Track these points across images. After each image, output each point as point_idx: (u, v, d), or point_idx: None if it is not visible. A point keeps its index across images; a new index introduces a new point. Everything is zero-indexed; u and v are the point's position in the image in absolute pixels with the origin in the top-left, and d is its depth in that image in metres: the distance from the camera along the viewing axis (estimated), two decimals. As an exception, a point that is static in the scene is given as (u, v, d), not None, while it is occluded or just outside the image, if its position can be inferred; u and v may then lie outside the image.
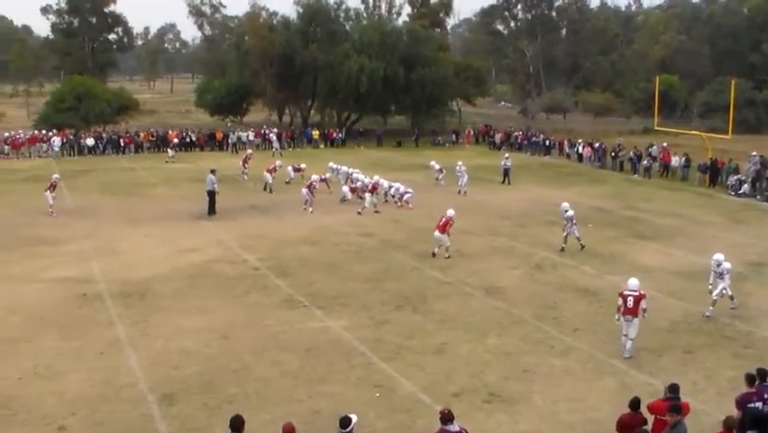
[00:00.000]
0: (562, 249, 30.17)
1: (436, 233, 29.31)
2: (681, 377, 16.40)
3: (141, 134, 69.44)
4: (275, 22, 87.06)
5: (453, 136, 76.77)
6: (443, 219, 29.33)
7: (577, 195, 42.90)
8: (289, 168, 47.16)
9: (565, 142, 64.34)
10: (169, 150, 62.16)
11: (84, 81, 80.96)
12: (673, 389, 13.42)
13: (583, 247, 30.24)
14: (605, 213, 38.77)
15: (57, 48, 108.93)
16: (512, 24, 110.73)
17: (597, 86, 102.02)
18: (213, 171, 38.60)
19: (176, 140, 66.00)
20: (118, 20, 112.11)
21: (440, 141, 74.67)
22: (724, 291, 22.43)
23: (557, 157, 63.29)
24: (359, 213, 37.81)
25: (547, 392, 17.37)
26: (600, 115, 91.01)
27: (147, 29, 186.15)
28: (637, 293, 19.19)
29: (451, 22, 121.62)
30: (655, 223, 36.47)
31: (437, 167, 46.95)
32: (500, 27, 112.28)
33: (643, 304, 19.18)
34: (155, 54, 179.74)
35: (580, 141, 62.41)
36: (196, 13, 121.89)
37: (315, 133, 73.53)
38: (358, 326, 21.75)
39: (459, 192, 43.43)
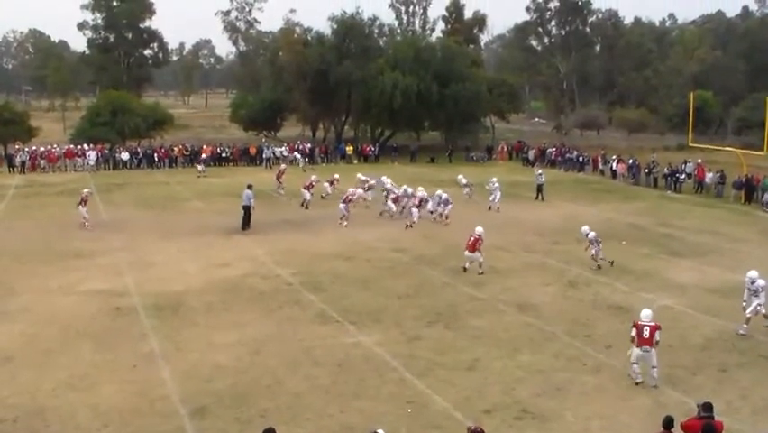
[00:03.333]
0: (599, 267, 30.02)
1: (466, 252, 29.48)
2: (716, 396, 16.30)
3: (176, 149, 69.92)
4: (309, 37, 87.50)
5: (487, 152, 76.68)
6: (472, 238, 29.45)
7: (611, 211, 42.78)
8: (325, 183, 47.20)
9: (599, 158, 64.04)
10: (198, 165, 62.47)
11: (119, 96, 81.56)
12: (707, 407, 13.34)
13: (600, 267, 30.06)
14: (639, 229, 38.58)
15: (93, 63, 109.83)
16: (546, 40, 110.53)
17: (631, 102, 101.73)
18: (250, 187, 38.86)
19: (204, 155, 66.27)
20: (154, 35, 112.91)
21: (473, 157, 74.59)
22: (758, 309, 22.22)
23: (591, 173, 63.04)
24: (409, 226, 38.17)
25: (579, 410, 17.29)
26: (634, 132, 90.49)
27: (182, 44, 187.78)
28: (653, 324, 18.75)
29: (484, 38, 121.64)
30: (690, 240, 36.24)
31: (464, 181, 46.93)
32: (534, 43, 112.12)
33: (657, 336, 18.66)
34: (190, 69, 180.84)
35: (614, 157, 62.08)
36: (230, 28, 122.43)
37: (349, 149, 73.66)
38: (390, 341, 21.76)
39: (490, 208, 43.21)
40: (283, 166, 53.81)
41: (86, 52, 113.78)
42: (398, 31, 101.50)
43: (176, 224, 39.43)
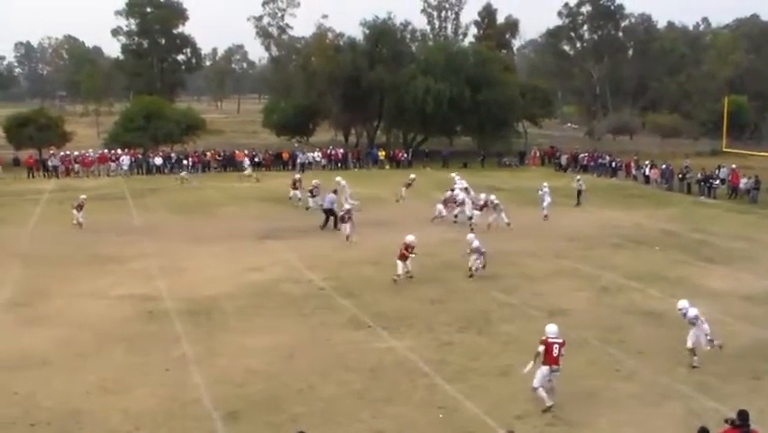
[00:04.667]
0: (471, 276, 29.65)
1: (397, 261, 28.99)
2: (749, 404, 16.11)
3: (209, 154, 70.33)
4: (341, 43, 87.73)
5: (519, 158, 76.54)
6: (402, 245, 29.18)
7: (644, 217, 42.56)
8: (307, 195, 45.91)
9: (632, 163, 63.73)
10: (182, 171, 63.00)
11: (152, 101, 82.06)
12: (743, 416, 13.22)
13: (472, 276, 29.65)
14: (672, 236, 38.33)
15: (126, 68, 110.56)
16: (578, 45, 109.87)
17: (664, 107, 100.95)
18: (335, 192, 40.36)
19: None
20: (187, 41, 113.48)
21: (506, 162, 74.49)
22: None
23: (624, 179, 62.72)
24: (471, 226, 37.99)
25: (612, 417, 17.22)
26: (668, 137, 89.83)
27: (215, 50, 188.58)
28: (561, 340, 18.07)
29: (517, 43, 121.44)
30: (724, 246, 35.96)
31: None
32: (566, 48, 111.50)
33: (563, 350, 17.96)
34: (222, 75, 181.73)
35: (647, 162, 61.72)
36: (263, 34, 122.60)
37: (381, 154, 73.79)
38: (422, 347, 21.76)
39: (546, 216, 42.08)
40: (297, 176, 52.77)
41: (120, 58, 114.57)
42: (430, 36, 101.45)
43: (208, 228, 39.63)
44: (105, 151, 71.16)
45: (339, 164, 71.12)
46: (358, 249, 34.49)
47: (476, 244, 29.52)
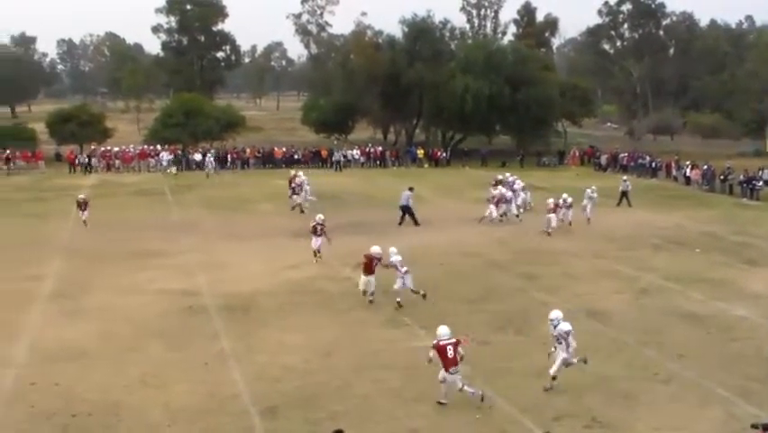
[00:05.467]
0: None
1: (362, 276, 26.23)
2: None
3: (248, 151, 70.71)
4: (380, 40, 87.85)
5: (558, 157, 76.21)
6: (366, 258, 26.38)
7: (684, 219, 42.21)
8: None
9: (672, 164, 63.20)
10: (171, 168, 64.48)
11: (192, 98, 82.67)
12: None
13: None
14: (713, 238, 37.95)
15: (167, 66, 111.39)
16: (618, 44, 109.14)
17: (706, 106, 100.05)
18: (411, 189, 40.60)
19: (166, 154, 67.61)
20: (226, 38, 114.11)
21: (545, 161, 74.23)
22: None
23: (664, 179, 62.25)
24: (548, 234, 37.58)
25: (650, 420, 17.07)
26: (709, 137, 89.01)
27: (254, 47, 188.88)
28: (454, 340, 17.75)
29: (556, 41, 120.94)
30: (766, 248, 35.55)
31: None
32: (606, 46, 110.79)
33: (461, 350, 17.78)
34: (262, 72, 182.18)
35: (687, 163, 61.17)
36: (302, 31, 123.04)
37: (420, 152, 73.75)
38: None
39: (589, 221, 40.93)
40: (294, 173, 51.97)
41: (160, 55, 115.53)
42: (470, 34, 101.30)
43: (246, 225, 39.81)
44: (146, 147, 71.82)
45: (378, 162, 71.15)
46: (396, 247, 34.30)
47: (396, 258, 26.25)
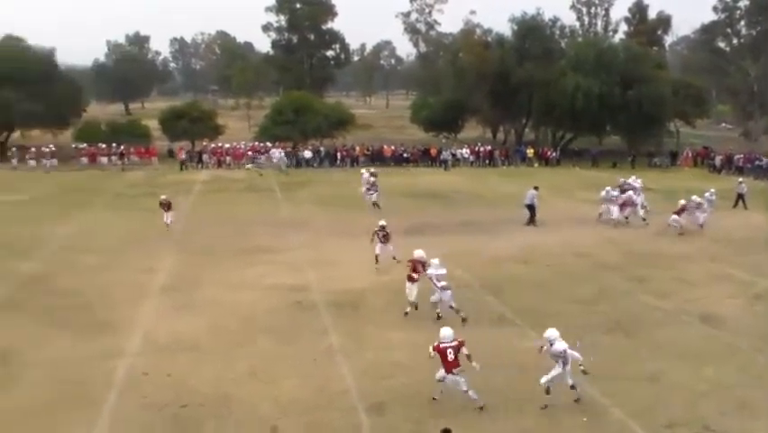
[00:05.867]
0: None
1: (408, 283, 24.92)
2: None
3: (357, 148, 71.11)
4: (489, 39, 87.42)
5: (671, 158, 74.70)
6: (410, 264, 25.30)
7: (802, 223, 40.94)
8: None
9: (790, 166, 61.40)
10: (249, 164, 64.49)
11: (302, 96, 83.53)
12: None
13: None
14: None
15: (277, 63, 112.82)
16: (734, 41, 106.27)
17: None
18: (536, 188, 40.28)
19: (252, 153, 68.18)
20: (335, 37, 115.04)
21: (657, 162, 72.84)
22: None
23: (781, 182, 60.43)
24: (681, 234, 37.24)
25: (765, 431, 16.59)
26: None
27: (363, 45, 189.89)
28: (455, 342, 17.47)
29: (669, 39, 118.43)
30: None
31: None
32: (722, 44, 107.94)
33: (464, 350, 17.43)
34: (371, 70, 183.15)
35: (806, 165, 59.33)
36: (411, 30, 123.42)
37: (530, 152, 73.12)
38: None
39: (701, 226, 39.12)
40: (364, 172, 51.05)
41: (270, 53, 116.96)
42: (580, 32, 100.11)
43: (355, 222, 39.82)
44: (256, 143, 72.87)
45: (487, 161, 70.81)
46: (506, 246, 34.12)
47: (436, 271, 24.40)
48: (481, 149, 72.60)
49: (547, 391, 17.59)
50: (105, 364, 20.22)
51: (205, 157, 68.38)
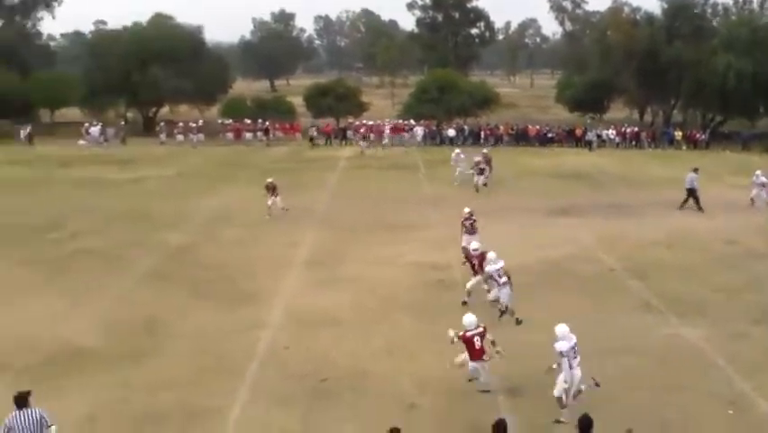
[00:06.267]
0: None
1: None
2: None
3: (501, 128, 70.56)
4: (638, 17, 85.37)
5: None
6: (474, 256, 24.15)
7: None
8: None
9: None
10: (361, 141, 64.23)
11: (446, 74, 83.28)
12: None
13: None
14: None
15: (421, 42, 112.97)
16: None
17: None
18: (695, 170, 39.01)
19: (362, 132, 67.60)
20: (480, 15, 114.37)
21: (814, 147, 69.79)
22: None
23: None
24: None
25: None
26: None
27: (508, 23, 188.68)
28: (480, 329, 17.07)
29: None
30: None
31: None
32: None
33: (488, 336, 17.11)
34: (515, 49, 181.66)
35: None
36: (557, 8, 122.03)
37: (678, 134, 71.01)
38: (713, 336, 20.74)
39: None
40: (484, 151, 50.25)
41: (415, 31, 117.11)
42: (733, 10, 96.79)
43: (499, 201, 39.65)
44: (400, 121, 73.09)
45: (633, 143, 69.30)
46: (653, 230, 33.31)
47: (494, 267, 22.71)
48: (628, 130, 70.92)
49: (561, 403, 16.21)
50: (248, 336, 20.69)
51: (349, 134, 68.93)
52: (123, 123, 77.12)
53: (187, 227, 34.02)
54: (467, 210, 29.02)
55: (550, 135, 69.12)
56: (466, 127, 71.54)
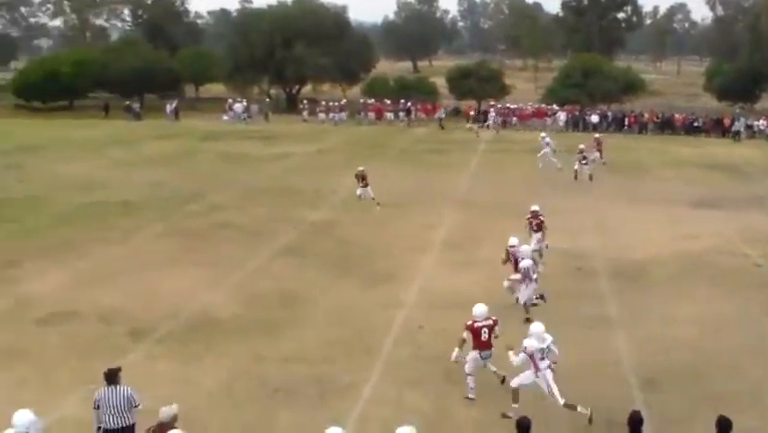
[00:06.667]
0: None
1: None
2: None
3: (646, 115, 68.97)
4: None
5: None
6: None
7: None
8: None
9: None
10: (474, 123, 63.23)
11: (591, 58, 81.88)
12: None
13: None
14: None
15: (565, 25, 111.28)
16: None
17: None
18: None
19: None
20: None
21: None
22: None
23: None
24: None
25: None
26: None
27: (656, 8, 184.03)
28: (490, 321, 16.21)
29: None
30: None
31: None
32: None
33: (497, 330, 16.29)
34: (663, 34, 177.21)
35: None
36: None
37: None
38: None
39: None
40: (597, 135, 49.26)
41: (560, 14, 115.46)
42: None
43: (641, 190, 38.83)
44: (542, 105, 72.23)
45: (480, 123, 66.66)
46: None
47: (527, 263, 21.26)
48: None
49: (514, 397, 15.47)
50: (383, 315, 20.76)
51: (490, 116, 68.41)
52: (266, 100, 78.45)
53: (329, 204, 34.41)
54: (534, 207, 26.85)
55: (696, 124, 67.10)
56: (610, 113, 70.20)
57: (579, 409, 15.00)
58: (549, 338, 15.45)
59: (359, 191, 33.96)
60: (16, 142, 53.66)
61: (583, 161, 41.05)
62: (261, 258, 26.15)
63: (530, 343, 15.17)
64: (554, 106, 70.15)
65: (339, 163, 44.54)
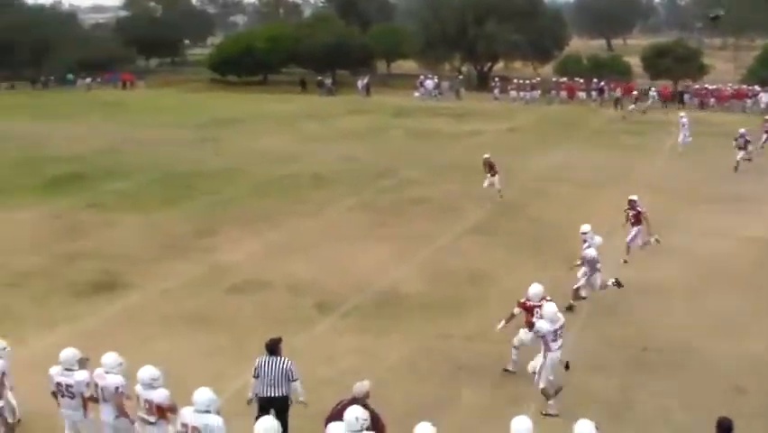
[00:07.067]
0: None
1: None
2: None
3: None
4: None
5: None
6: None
7: None
8: None
9: None
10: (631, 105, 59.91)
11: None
12: None
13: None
14: None
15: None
16: None
17: None
18: None
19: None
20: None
21: None
22: None
23: None
24: None
25: None
26: None
27: None
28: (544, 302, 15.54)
29: None
30: None
31: None
32: None
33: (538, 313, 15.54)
34: None
35: None
36: None
37: None
38: None
39: None
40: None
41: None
42: None
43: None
44: (743, 86, 69.48)
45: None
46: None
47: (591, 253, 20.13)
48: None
49: (546, 395, 14.83)
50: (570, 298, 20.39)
51: (686, 97, 66.39)
52: (458, 77, 78.58)
53: (518, 183, 34.26)
54: (632, 197, 24.74)
55: None
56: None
57: (550, 402, 14.68)
58: (561, 319, 15.05)
59: (486, 183, 31.25)
60: (213, 115, 55.87)
61: (742, 148, 37.80)
62: (450, 235, 26.36)
63: (542, 325, 14.84)
64: (756, 87, 67.26)
65: (530, 142, 44.32)
